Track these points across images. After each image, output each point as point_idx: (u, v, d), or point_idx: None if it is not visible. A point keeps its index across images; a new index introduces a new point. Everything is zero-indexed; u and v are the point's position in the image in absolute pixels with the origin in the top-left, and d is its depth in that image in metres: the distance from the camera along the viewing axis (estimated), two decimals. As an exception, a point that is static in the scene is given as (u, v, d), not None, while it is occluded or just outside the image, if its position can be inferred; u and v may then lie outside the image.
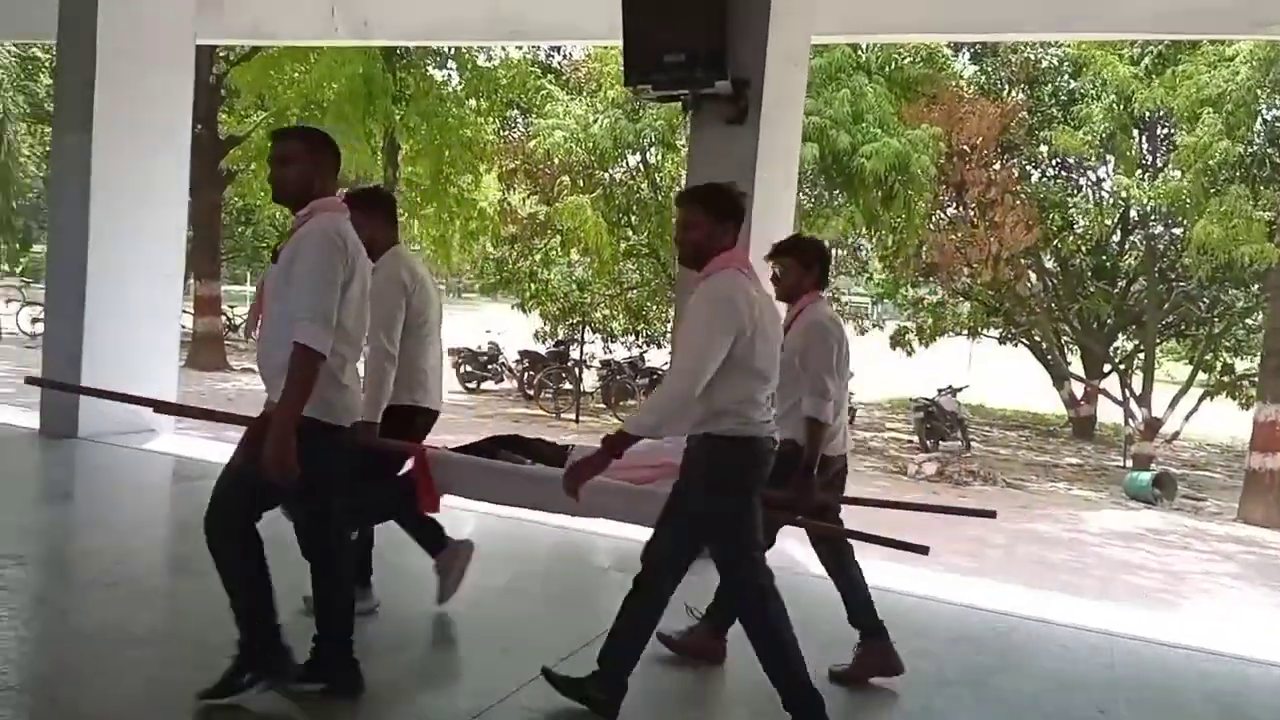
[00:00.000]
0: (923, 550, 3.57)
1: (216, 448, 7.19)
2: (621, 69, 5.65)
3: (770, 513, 3.55)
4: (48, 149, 26.01)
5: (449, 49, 16.63)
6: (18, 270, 28.06)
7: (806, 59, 6.19)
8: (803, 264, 3.93)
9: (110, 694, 3.29)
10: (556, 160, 16.36)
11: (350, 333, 3.24)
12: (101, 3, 6.89)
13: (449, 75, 17.90)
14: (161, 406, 4.76)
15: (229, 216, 23.28)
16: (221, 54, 15.98)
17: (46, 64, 22.06)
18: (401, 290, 3.91)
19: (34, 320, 18.52)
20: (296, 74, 15.38)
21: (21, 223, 25.70)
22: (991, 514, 4.33)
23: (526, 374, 17.68)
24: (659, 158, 17.14)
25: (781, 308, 3.78)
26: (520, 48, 16.53)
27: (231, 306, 23.10)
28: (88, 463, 6.67)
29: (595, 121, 15.67)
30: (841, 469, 4.05)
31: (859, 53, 15.28)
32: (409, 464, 3.99)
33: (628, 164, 17.57)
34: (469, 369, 18.33)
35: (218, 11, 8.03)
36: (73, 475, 6.51)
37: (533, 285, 18.24)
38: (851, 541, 3.94)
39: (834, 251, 19.36)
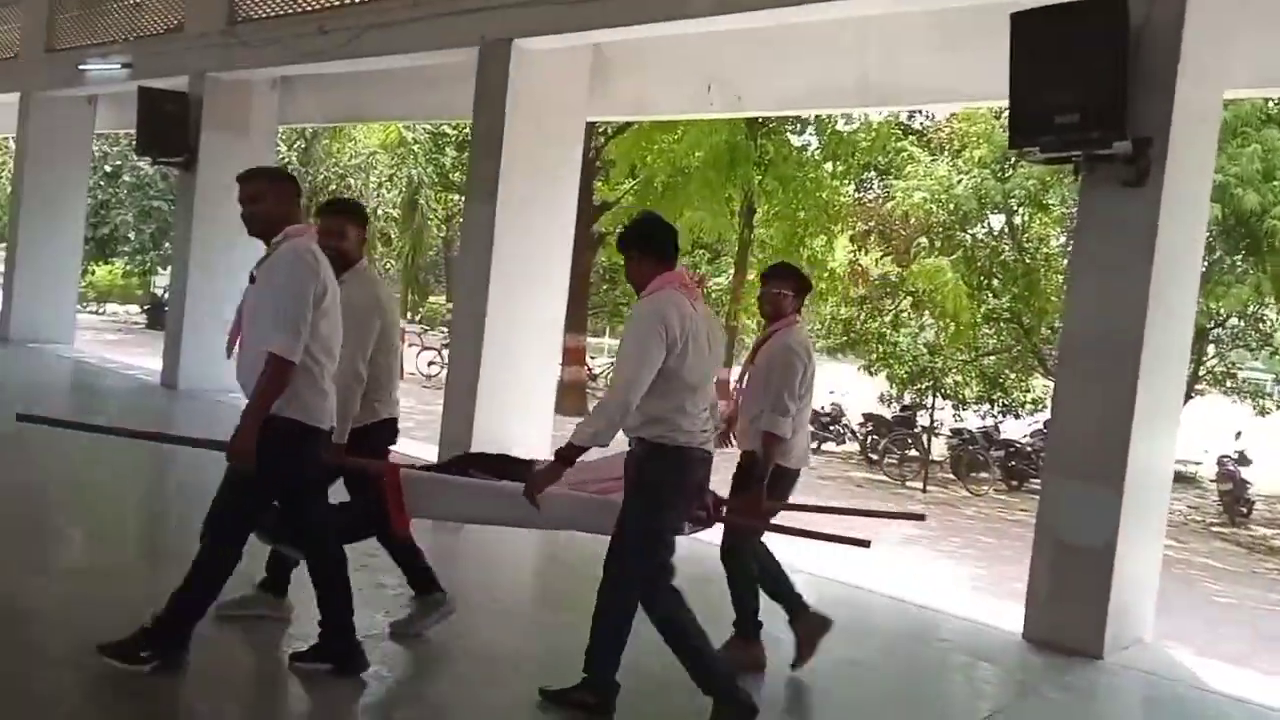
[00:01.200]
0: (864, 544, 3.78)
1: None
2: (1005, 131, 5.42)
3: (729, 518, 3.98)
4: (449, 214, 29.68)
5: (810, 115, 16.92)
6: (416, 318, 31.96)
7: (1218, 115, 5.60)
8: (795, 291, 4.32)
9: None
10: (913, 220, 16.02)
11: (326, 341, 3.57)
12: (510, 88, 7.73)
13: (808, 140, 18.19)
14: (138, 434, 4.62)
15: (595, 275, 25.08)
16: (599, 129, 17.34)
17: (453, 138, 25.20)
18: (377, 312, 4.04)
19: (430, 363, 20.89)
20: (665, 144, 16.32)
21: (422, 277, 29.23)
22: (921, 517, 4.74)
23: (870, 437, 17.29)
24: (1026, 218, 16.24)
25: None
26: (881, 112, 16.45)
27: (593, 358, 24.76)
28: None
29: (958, 182, 15.19)
30: (793, 479, 4.36)
31: (1270, 105, 13.64)
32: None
33: (990, 225, 16.82)
34: (810, 428, 18.21)
35: (606, 91, 8.73)
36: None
37: (881, 347, 17.90)
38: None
39: (1231, 322, 17.27)
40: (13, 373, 11.73)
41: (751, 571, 4.24)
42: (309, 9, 9.82)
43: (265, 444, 3.43)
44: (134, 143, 12.23)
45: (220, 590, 3.63)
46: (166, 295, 20.48)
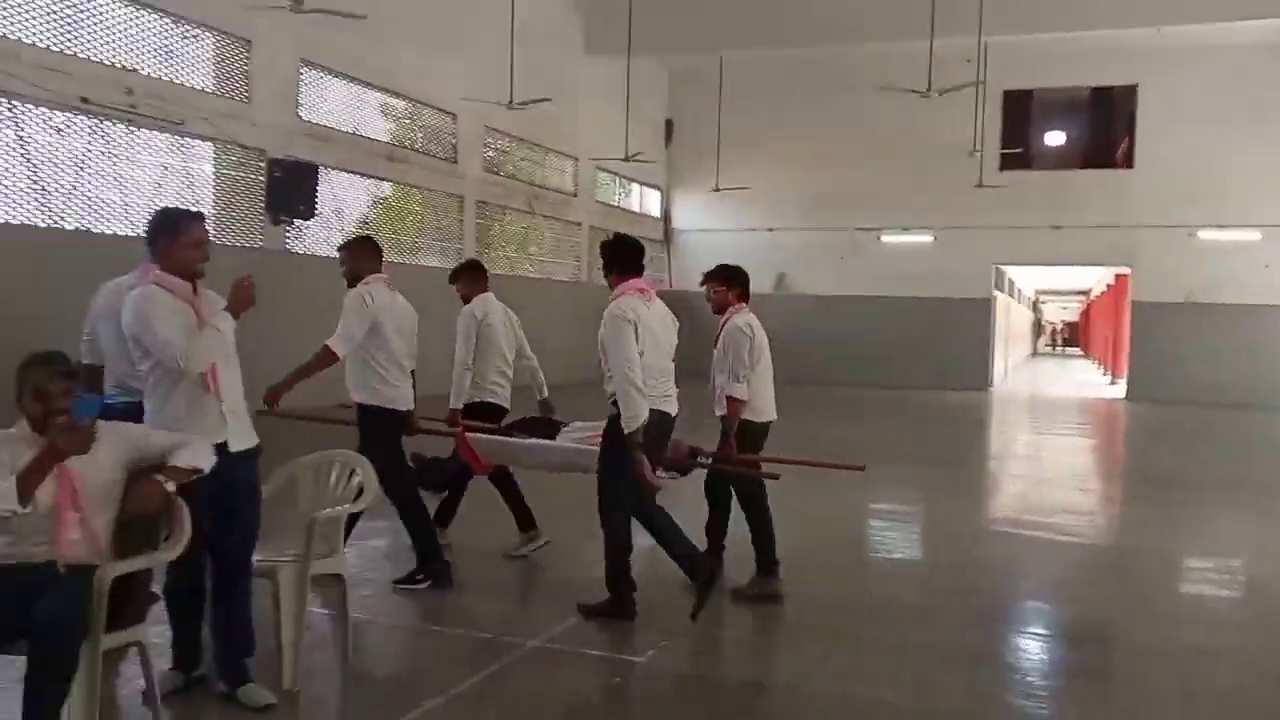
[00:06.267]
0: (859, 468, 5.56)
1: None
2: None
3: (713, 465, 5.28)
4: None
5: None
6: None
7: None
8: (726, 286, 5.46)
9: None
10: None
11: (393, 352, 5.17)
12: None
13: None
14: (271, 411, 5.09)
15: None
16: None
17: None
18: (474, 323, 5.99)
19: None
20: None
21: None
22: (861, 467, 5.65)
23: None
24: None
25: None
26: None
27: None
28: None
29: None
30: (763, 431, 5.46)
31: None
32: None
33: None
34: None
35: None
36: None
37: None
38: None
39: None
40: None
41: (765, 510, 5.33)
42: None
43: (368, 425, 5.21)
44: None
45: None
46: None
